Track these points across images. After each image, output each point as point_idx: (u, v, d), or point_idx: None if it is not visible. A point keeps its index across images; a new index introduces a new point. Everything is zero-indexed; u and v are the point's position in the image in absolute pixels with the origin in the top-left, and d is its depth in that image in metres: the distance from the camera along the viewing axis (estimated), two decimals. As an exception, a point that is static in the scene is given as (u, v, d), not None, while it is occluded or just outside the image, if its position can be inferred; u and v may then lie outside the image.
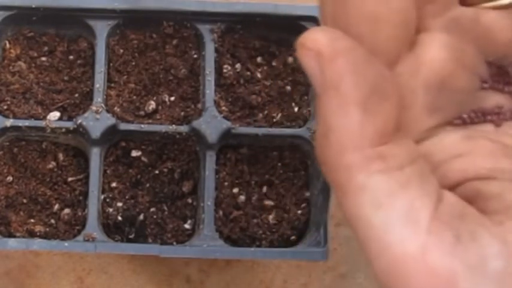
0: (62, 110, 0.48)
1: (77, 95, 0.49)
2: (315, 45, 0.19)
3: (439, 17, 0.22)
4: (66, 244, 0.45)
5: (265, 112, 0.49)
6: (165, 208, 0.48)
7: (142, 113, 0.49)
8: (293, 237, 0.48)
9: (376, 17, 0.20)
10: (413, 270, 0.18)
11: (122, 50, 0.50)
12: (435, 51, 0.21)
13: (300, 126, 0.49)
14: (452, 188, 0.20)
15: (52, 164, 0.48)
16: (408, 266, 0.19)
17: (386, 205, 0.19)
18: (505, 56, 0.22)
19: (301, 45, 0.19)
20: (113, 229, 0.47)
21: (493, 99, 0.22)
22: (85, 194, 0.47)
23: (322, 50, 0.19)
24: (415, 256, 0.18)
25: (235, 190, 0.48)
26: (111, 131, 0.47)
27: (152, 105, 0.49)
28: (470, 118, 0.22)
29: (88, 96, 0.49)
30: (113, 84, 0.49)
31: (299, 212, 0.48)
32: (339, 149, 0.19)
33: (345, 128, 0.19)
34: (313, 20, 0.49)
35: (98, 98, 0.47)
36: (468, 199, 0.20)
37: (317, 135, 0.20)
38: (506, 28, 0.22)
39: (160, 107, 0.49)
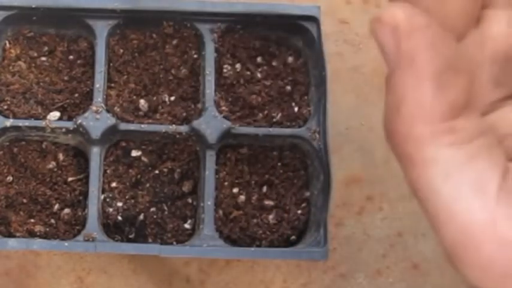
0: (62, 110, 0.48)
1: (77, 95, 0.49)
2: (393, 20, 0.20)
3: None
4: (66, 244, 0.45)
5: (265, 112, 0.49)
6: (165, 208, 0.48)
7: (142, 113, 0.49)
8: (293, 237, 0.48)
9: None
10: (483, 238, 0.19)
11: (122, 50, 0.50)
12: (500, 27, 0.22)
13: (300, 126, 0.49)
14: None
15: (52, 164, 0.48)
16: (477, 235, 0.19)
17: (456, 176, 0.19)
18: None
19: (377, 20, 0.20)
20: (113, 229, 0.47)
21: None
22: (85, 194, 0.47)
23: (400, 25, 0.19)
24: (484, 225, 0.19)
25: (235, 190, 0.48)
26: (111, 131, 0.47)
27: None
28: None
29: (88, 96, 0.49)
30: (113, 84, 0.49)
31: (299, 212, 0.48)
32: (410, 122, 0.20)
33: (418, 102, 0.19)
34: (313, 20, 0.50)
35: (98, 98, 0.47)
36: None
37: (386, 108, 0.20)
38: None
39: (160, 107, 0.49)
